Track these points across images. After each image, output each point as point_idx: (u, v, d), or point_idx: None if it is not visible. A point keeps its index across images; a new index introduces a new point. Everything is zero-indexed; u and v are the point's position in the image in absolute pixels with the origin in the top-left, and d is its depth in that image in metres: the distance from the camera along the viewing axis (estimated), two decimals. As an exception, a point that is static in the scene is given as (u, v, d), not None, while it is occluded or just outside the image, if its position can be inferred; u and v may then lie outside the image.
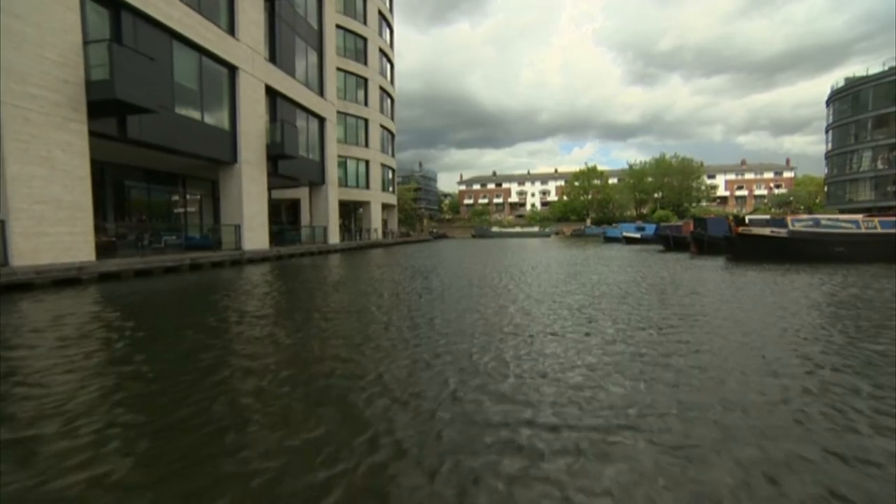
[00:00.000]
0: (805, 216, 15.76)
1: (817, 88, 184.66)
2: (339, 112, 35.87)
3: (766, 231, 14.42)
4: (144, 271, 12.07)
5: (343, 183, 36.74)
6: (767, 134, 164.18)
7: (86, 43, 10.15)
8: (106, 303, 7.72)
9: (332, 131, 26.29)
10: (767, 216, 20.29)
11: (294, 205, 34.36)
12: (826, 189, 42.83)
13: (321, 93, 24.98)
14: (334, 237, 26.39)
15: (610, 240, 36.77)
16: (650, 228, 34.76)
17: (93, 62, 10.42)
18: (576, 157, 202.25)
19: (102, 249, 11.91)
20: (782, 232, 14.22)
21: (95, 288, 9.48)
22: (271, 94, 19.62)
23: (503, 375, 3.69)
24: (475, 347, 4.54)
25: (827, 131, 41.27)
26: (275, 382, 3.60)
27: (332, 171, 26.20)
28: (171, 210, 19.18)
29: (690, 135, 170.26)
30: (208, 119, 15.62)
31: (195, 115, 14.85)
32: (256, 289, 9.69)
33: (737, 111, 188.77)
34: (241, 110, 16.90)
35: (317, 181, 24.96)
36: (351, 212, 41.27)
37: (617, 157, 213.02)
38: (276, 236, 22.44)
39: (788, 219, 14.77)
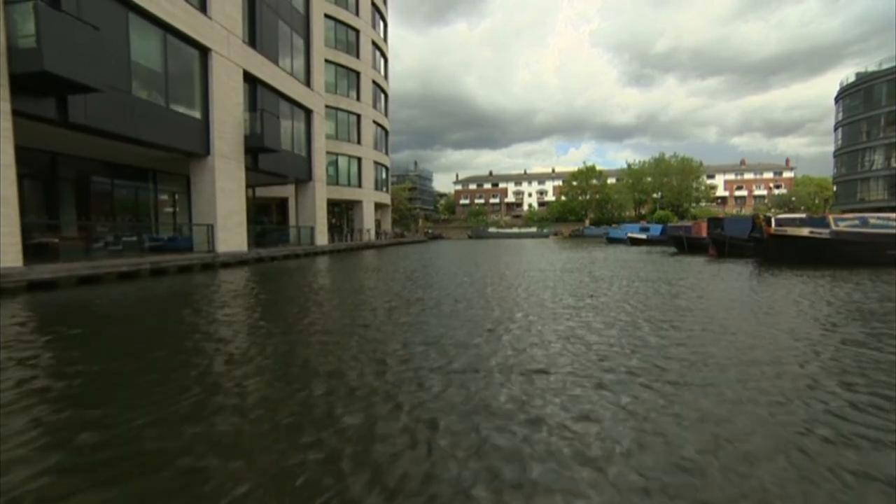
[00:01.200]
0: (849, 215, 14.25)
1: (811, 91, 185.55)
2: (329, 106, 34.19)
3: (804, 231, 12.87)
4: (91, 278, 10.33)
5: (334, 181, 35.06)
6: (761, 135, 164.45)
7: (7, 3, 8.41)
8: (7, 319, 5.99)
9: (320, 124, 24.58)
10: (803, 215, 18.73)
11: (283, 204, 32.62)
12: (835, 189, 41.56)
13: (308, 83, 23.26)
14: (322, 238, 24.67)
15: (613, 241, 35.25)
16: (655, 229, 33.32)
17: (20, 31, 8.68)
18: (572, 158, 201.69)
19: (38, 253, 10.16)
20: (824, 233, 12.67)
21: (17, 300, 7.75)
22: (251, 81, 17.90)
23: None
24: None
25: (836, 129, 39.95)
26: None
27: (320, 168, 24.48)
28: (140, 208, 17.38)
29: (685, 136, 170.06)
30: (175, 106, 13.87)
31: (158, 100, 13.10)
32: (213, 299, 7.98)
33: (731, 113, 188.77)
34: (215, 97, 15.17)
35: (303, 178, 23.23)
36: (343, 212, 39.57)
37: (613, 159, 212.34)
38: (257, 237, 20.70)
39: (830, 217, 13.23)
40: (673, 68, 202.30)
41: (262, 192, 27.55)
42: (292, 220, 27.61)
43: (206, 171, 15.27)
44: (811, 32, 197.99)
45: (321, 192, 24.53)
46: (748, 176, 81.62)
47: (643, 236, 31.22)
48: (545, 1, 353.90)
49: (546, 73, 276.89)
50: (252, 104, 18.02)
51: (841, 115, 38.98)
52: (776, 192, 77.19)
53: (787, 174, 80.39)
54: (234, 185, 16.37)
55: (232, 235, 16.34)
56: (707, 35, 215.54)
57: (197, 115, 14.86)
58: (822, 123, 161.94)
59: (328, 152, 34.28)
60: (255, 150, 17.57)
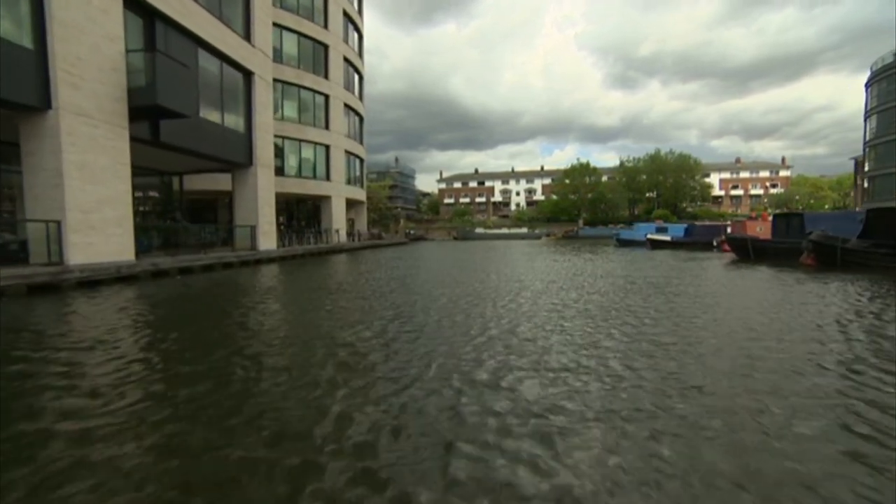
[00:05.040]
0: None
1: (788, 95, 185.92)
2: (290, 83, 28.54)
3: None
4: None
5: (296, 172, 29.40)
6: (739, 139, 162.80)
7: None
8: None
9: (266, 94, 18.92)
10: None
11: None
12: (865, 184, 37.49)
13: (247, 36, 17.59)
14: (269, 241, 18.97)
15: (626, 243, 30.31)
16: (676, 229, 28.56)
17: None
18: (556, 159, 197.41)
19: None
20: None
21: None
22: (146, 13, 12.22)
23: None
24: None
25: (866, 118, 35.88)
26: None
27: (265, 150, 18.81)
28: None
29: (667, 138, 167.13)
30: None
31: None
32: None
33: (711, 116, 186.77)
34: (56, 17, 9.44)
35: (240, 161, 17.54)
36: (310, 209, 33.82)
37: (597, 160, 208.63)
38: (165, 240, 14.95)
39: None
40: (657, 72, 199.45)
41: (201, 182, 21.75)
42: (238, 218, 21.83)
43: (45, 137, 9.53)
44: (789, 40, 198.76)
45: (266, 182, 18.84)
46: (744, 175, 78.39)
47: (666, 238, 26.30)
48: (533, 2, 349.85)
49: (532, 74, 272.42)
50: (149, 45, 12.33)
51: (875, 101, 34.84)
52: (773, 191, 74.22)
53: (783, 173, 77.51)
54: (104, 161, 10.65)
55: (103, 238, 10.63)
56: (690, 40, 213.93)
57: (25, 43, 9.14)
58: (797, 127, 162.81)
59: (288, 138, 28.62)
60: (150, 112, 11.87)
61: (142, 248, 12.83)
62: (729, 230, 23.14)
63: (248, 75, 17.78)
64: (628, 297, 8.15)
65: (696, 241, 24.70)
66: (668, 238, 26.16)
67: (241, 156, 17.51)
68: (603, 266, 14.73)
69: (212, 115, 15.78)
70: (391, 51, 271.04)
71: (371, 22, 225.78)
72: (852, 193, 67.11)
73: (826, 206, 68.41)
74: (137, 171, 16.95)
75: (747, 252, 15.60)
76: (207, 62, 15.35)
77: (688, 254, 20.68)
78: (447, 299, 8.08)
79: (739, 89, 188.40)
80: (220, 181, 21.51)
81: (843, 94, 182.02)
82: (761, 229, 20.04)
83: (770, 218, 20.57)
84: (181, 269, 13.08)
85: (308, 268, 15.71)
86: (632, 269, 13.57)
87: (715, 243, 23.27)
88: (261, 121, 18.38)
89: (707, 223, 31.22)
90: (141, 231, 13.21)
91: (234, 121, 17.22)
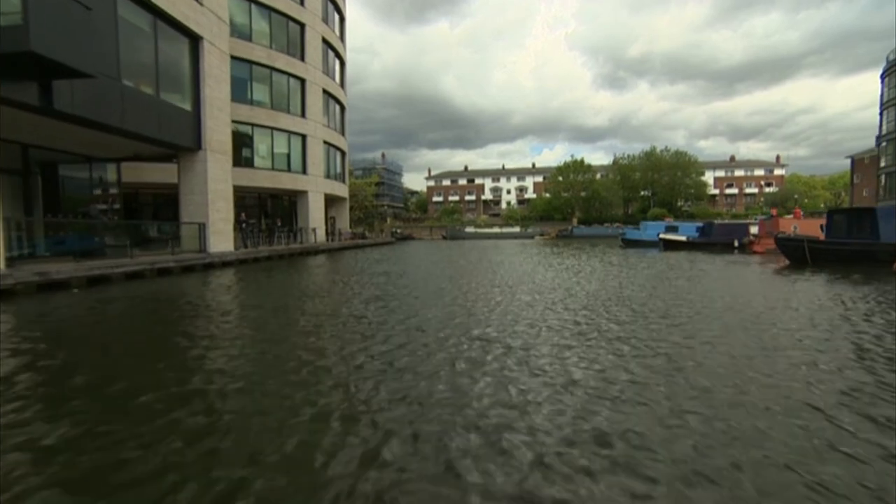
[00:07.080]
0: None
1: (772, 97, 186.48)
2: (261, 65, 25.33)
3: None
4: None
5: (268, 164, 26.19)
6: (725, 139, 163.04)
7: None
8: None
9: (220, 65, 15.72)
10: None
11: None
12: (881, 181, 35.39)
13: (194, -8, 14.38)
14: (223, 241, 15.78)
15: (632, 243, 27.69)
16: (687, 228, 26.02)
17: None
18: (545, 159, 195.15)
19: None
20: None
21: None
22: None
23: None
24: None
25: (882, 111, 33.73)
26: None
27: (218, 132, 15.60)
28: None
29: (655, 139, 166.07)
30: None
31: None
32: None
33: (698, 117, 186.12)
34: None
35: (184, 144, 14.33)
36: (286, 206, 30.59)
37: (586, 159, 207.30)
38: (73, 243, 11.66)
39: None
40: (646, 73, 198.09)
41: (160, 175, 18.45)
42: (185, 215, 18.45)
43: None
44: (774, 43, 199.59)
45: (219, 171, 15.64)
46: (739, 173, 76.86)
47: (681, 238, 23.67)
48: (525, 2, 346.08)
49: (523, 74, 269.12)
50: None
51: (892, 92, 32.64)
52: (768, 189, 72.88)
53: (777, 171, 76.18)
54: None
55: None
56: (679, 42, 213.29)
57: None
58: (780, 129, 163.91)
59: (259, 125, 25.38)
60: (26, 63, 8.63)
61: (28, 253, 9.64)
62: (754, 230, 20.62)
63: (195, 40, 14.59)
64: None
65: (715, 242, 22.17)
66: (683, 238, 23.54)
67: (185, 138, 14.29)
68: (635, 275, 11.88)
69: (143, 85, 12.59)
70: (382, 49, 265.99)
71: (363, 19, 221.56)
72: (843, 194, 66.05)
73: (821, 205, 67.40)
74: (40, 153, 13.53)
75: (802, 256, 12.86)
76: (133, 15, 12.13)
77: (711, 256, 18.03)
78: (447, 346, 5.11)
79: (726, 91, 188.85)
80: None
81: (824, 98, 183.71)
82: (797, 228, 17.49)
83: (803, 214, 17.99)
84: (91, 278, 9.93)
85: (267, 276, 12.58)
86: (680, 282, 10.77)
87: (736, 244, 20.82)
88: (212, 96, 15.18)
89: (726, 222, 28.84)
90: (29, 229, 10.00)
91: (177, 95, 14.05)
